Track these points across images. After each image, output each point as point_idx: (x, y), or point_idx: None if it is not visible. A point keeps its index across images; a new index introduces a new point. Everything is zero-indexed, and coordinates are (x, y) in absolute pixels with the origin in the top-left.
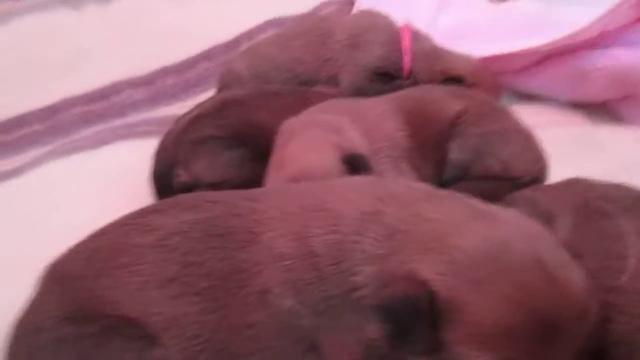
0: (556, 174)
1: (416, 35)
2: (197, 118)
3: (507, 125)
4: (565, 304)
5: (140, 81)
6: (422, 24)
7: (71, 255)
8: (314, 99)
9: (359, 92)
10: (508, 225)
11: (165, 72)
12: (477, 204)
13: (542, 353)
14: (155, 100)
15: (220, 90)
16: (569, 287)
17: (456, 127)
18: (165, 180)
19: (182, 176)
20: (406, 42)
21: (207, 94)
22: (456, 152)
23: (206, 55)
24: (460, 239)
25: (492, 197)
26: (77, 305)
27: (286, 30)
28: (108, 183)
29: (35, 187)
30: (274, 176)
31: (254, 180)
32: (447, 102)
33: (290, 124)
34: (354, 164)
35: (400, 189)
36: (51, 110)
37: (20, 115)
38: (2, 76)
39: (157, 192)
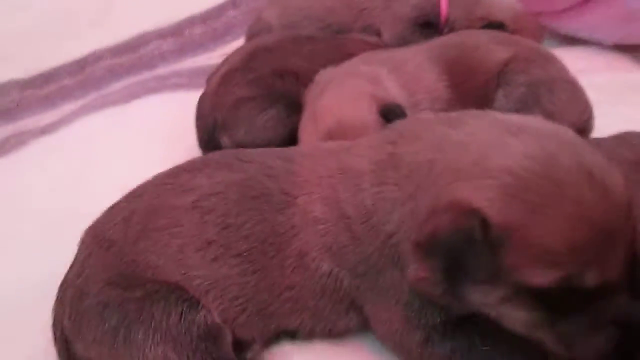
0: (601, 122)
1: None
2: (227, 75)
3: (554, 74)
4: (616, 207)
5: (168, 31)
6: None
7: (109, 218)
8: (349, 44)
9: (402, 43)
10: (547, 137)
11: (192, 21)
12: (504, 117)
13: (604, 258)
14: (184, 50)
15: (249, 39)
16: (616, 190)
17: (503, 76)
18: (212, 146)
19: (225, 142)
20: None
21: (236, 43)
22: (503, 101)
23: (233, 3)
24: (503, 159)
25: None
26: (120, 269)
27: None
28: (142, 137)
29: (71, 142)
30: (310, 128)
31: (294, 135)
32: (492, 49)
33: (325, 74)
34: (391, 115)
35: (414, 124)
36: (80, 65)
37: (51, 70)
38: (30, 31)
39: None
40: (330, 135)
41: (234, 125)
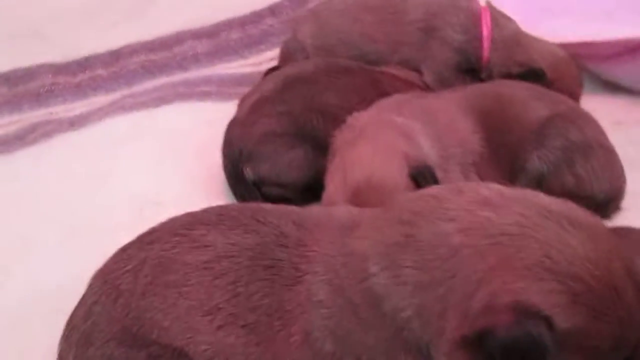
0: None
1: (497, 18)
2: (257, 104)
3: (591, 138)
4: None
5: (204, 32)
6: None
7: (120, 264)
8: (386, 81)
9: (441, 85)
10: (596, 236)
11: (230, 24)
12: (542, 201)
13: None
14: (217, 54)
15: (283, 58)
16: None
17: (539, 136)
18: (235, 175)
19: (249, 174)
20: (486, 28)
21: (270, 53)
22: (536, 163)
23: (272, 10)
24: (568, 263)
25: None
26: (125, 324)
27: (355, 0)
28: (167, 148)
29: (96, 143)
30: (337, 180)
31: (319, 176)
32: (531, 105)
33: (358, 119)
34: (421, 179)
35: (432, 202)
36: (114, 56)
37: (86, 57)
38: (70, 13)
39: (230, 183)
40: (358, 193)
41: (258, 159)
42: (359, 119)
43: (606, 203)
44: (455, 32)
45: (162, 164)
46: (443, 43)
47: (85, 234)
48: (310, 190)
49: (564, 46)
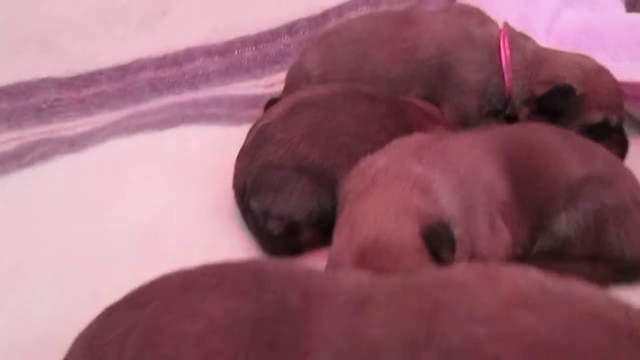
0: None
1: (515, 41)
2: (260, 131)
3: (627, 198)
4: None
5: (216, 50)
6: (536, 24)
7: (105, 328)
8: (410, 113)
9: (462, 124)
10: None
11: (244, 42)
12: (600, 302)
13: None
14: (229, 73)
15: (287, 85)
16: None
17: (572, 197)
18: (244, 206)
19: (255, 207)
20: (505, 59)
21: (284, 73)
22: (564, 226)
23: (289, 29)
24: None
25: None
26: None
27: (365, 30)
28: (171, 173)
29: (97, 166)
30: (344, 236)
31: (325, 213)
32: (565, 160)
33: (372, 165)
34: (435, 240)
35: (474, 289)
36: (121, 71)
37: (90, 73)
38: (78, 24)
39: (241, 212)
40: (364, 254)
41: (261, 192)
42: (373, 164)
43: (635, 267)
44: (472, 72)
45: (165, 193)
46: (460, 84)
47: (78, 267)
48: (320, 227)
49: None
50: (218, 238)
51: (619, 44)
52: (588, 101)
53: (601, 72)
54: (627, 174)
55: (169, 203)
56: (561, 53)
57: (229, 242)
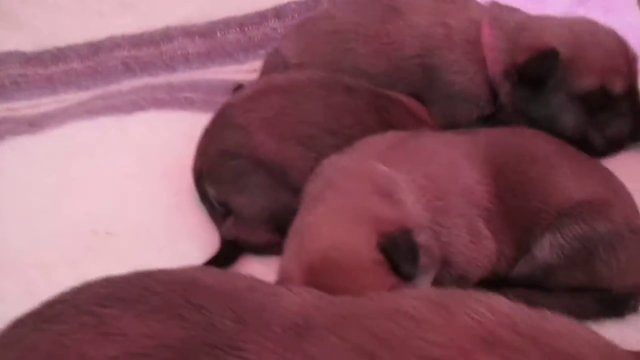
0: None
1: (499, 17)
2: (221, 113)
3: (621, 223)
4: None
5: (197, 30)
6: None
7: (2, 349)
8: (393, 112)
9: (450, 124)
10: None
11: (227, 24)
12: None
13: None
14: (210, 56)
15: (264, 73)
16: None
17: (561, 218)
18: (201, 190)
19: (212, 194)
20: (488, 44)
21: None
22: (546, 252)
23: (277, 12)
24: None
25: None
26: None
27: (348, 21)
28: (133, 162)
29: (53, 151)
30: (294, 249)
31: (282, 210)
32: (561, 177)
33: (332, 164)
34: (394, 252)
35: (423, 321)
36: (93, 49)
37: (60, 48)
38: (51, 2)
39: (200, 197)
40: (313, 269)
41: (217, 181)
42: (334, 164)
43: (629, 298)
44: (455, 74)
45: (123, 185)
46: (445, 87)
47: (19, 264)
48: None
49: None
50: (174, 237)
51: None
52: (577, 65)
53: (599, 33)
54: (624, 196)
55: (125, 196)
56: (549, 17)
57: (185, 243)
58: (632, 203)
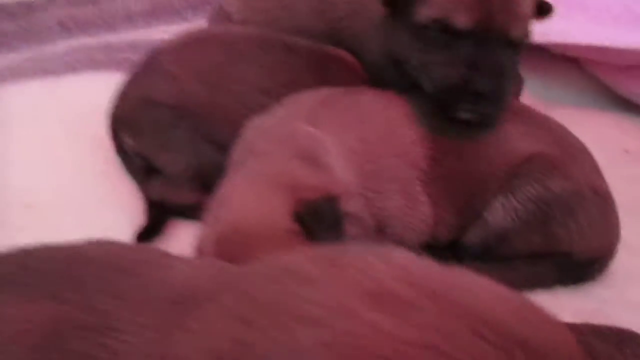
0: None
1: None
2: (147, 60)
3: (582, 183)
4: None
5: None
6: None
7: None
8: (334, 68)
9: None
10: None
11: None
12: (494, 306)
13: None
14: (155, 14)
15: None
16: None
17: (512, 178)
18: (117, 138)
19: (129, 144)
20: None
21: None
22: (499, 215)
23: None
24: None
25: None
26: None
27: None
28: (61, 129)
29: None
30: (210, 220)
31: (205, 169)
32: (510, 134)
33: (257, 126)
34: (312, 220)
35: (305, 278)
36: (26, 8)
37: None
38: None
39: (115, 147)
40: (226, 245)
41: (137, 129)
42: (258, 126)
43: (589, 263)
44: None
45: (48, 153)
46: (369, 54)
47: None
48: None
49: (574, 50)
50: (100, 208)
51: (603, 7)
52: None
53: None
54: (583, 155)
55: (49, 166)
56: None
57: (114, 213)
58: (593, 163)
